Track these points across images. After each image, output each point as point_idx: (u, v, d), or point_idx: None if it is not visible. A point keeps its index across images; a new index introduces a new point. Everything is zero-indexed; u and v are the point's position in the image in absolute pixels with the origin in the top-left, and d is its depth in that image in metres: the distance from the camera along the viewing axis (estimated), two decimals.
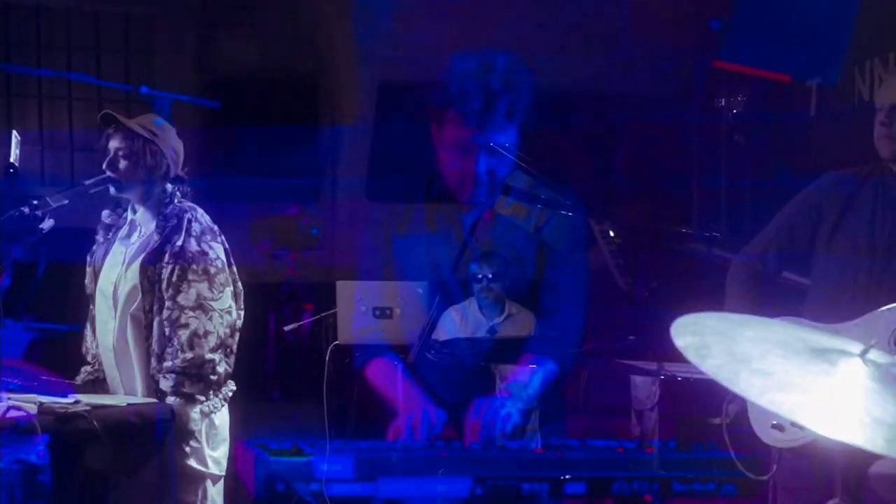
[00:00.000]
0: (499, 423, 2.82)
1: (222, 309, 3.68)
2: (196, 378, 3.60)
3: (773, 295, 3.24)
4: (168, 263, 3.64)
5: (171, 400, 3.58)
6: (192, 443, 3.66)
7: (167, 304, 3.62)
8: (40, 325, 4.67)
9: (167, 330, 3.61)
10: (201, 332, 3.61)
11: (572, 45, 6.22)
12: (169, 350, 3.60)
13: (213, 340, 3.63)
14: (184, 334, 3.59)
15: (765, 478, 2.70)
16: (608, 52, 6.43)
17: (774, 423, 3.08)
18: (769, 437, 3.10)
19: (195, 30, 6.96)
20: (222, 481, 3.76)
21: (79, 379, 3.84)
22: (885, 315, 3.02)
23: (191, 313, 3.61)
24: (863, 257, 3.12)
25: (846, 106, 4.79)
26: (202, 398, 3.62)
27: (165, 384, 3.59)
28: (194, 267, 3.63)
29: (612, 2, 6.35)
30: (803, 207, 3.30)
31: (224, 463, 3.75)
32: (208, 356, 3.61)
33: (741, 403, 3.19)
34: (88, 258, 3.86)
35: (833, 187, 3.26)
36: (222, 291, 3.69)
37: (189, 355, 3.58)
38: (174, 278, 3.62)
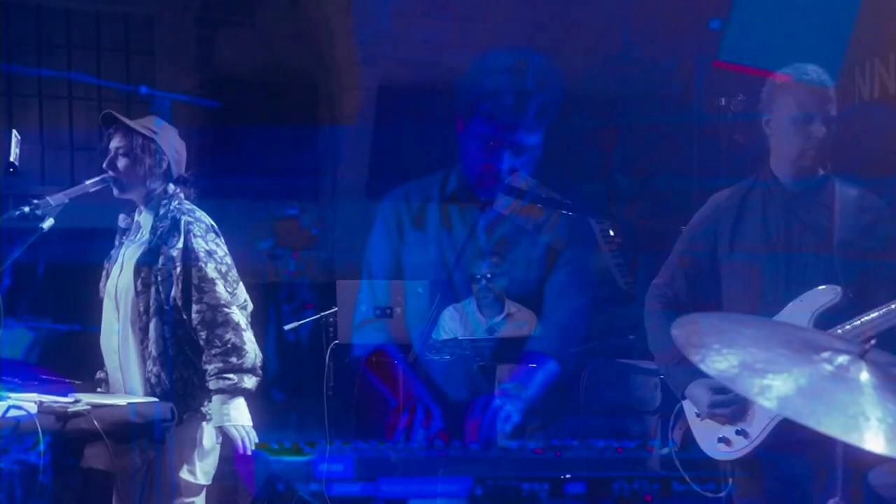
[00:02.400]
0: (498, 422, 2.83)
1: (239, 304, 3.70)
2: (252, 372, 3.62)
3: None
4: (170, 266, 3.63)
5: (219, 398, 3.59)
6: (193, 455, 3.67)
7: (196, 307, 3.61)
8: (40, 325, 4.67)
9: (203, 333, 3.61)
10: (243, 325, 3.64)
11: (572, 45, 6.23)
12: (214, 351, 3.59)
13: (248, 334, 3.66)
14: (226, 332, 3.60)
15: (722, 494, 2.76)
16: (608, 52, 6.44)
17: (720, 436, 3.18)
18: (717, 452, 3.20)
19: (195, 30, 6.96)
20: (205, 492, 3.77)
21: (97, 377, 3.84)
22: (798, 305, 3.14)
23: (225, 310, 3.62)
24: (763, 258, 3.27)
25: (846, 106, 4.80)
26: (253, 389, 3.64)
27: (225, 384, 3.58)
28: (210, 266, 3.63)
29: (612, 2, 6.35)
30: (699, 230, 3.43)
31: (212, 473, 3.74)
32: (257, 348, 3.64)
33: (684, 427, 3.26)
34: (105, 262, 3.87)
35: (721, 205, 3.41)
36: (237, 287, 3.72)
37: (243, 350, 3.60)
38: (194, 280, 3.62)
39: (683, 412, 3.33)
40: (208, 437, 3.69)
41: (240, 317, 3.65)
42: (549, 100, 2.99)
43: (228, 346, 3.59)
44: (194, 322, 3.61)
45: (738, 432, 3.16)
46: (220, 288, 3.63)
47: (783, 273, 3.25)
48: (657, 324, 3.41)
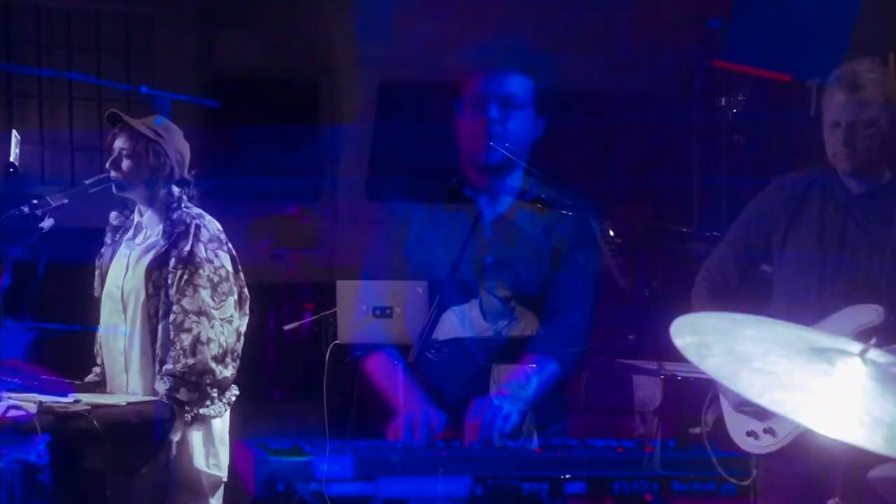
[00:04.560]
0: (498, 422, 2.82)
1: (223, 318, 3.67)
2: (193, 386, 3.58)
3: (742, 301, 3.27)
4: (176, 268, 3.63)
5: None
6: (209, 450, 3.67)
7: (173, 307, 3.61)
8: (40, 325, 4.66)
9: (171, 334, 3.60)
10: (204, 338, 3.60)
11: (572, 45, 6.22)
12: (171, 353, 3.59)
13: (215, 348, 3.61)
14: (186, 339, 3.58)
15: (746, 482, 2.73)
16: (608, 52, 6.43)
17: (749, 430, 3.16)
18: (745, 443, 3.18)
19: (195, 30, 6.95)
20: (223, 487, 3.77)
21: (87, 378, 3.83)
22: (841, 318, 3.07)
23: (194, 318, 3.60)
24: (815, 259, 3.19)
25: None
26: (192, 408, 3.60)
27: (161, 386, 3.58)
28: (201, 272, 3.63)
29: (612, 2, 6.35)
30: (753, 217, 3.36)
31: (225, 467, 3.74)
32: (210, 365, 3.59)
33: (718, 411, 3.24)
34: (97, 260, 3.85)
35: (779, 193, 3.32)
36: (224, 301, 3.68)
37: (191, 361, 3.57)
38: (181, 282, 3.62)
39: (719, 397, 3.28)
40: (219, 431, 3.70)
41: (207, 330, 3.61)
42: (534, 60, 3.07)
43: (181, 351, 3.58)
44: (170, 319, 3.60)
45: (766, 430, 3.13)
46: (204, 296, 3.61)
47: (831, 278, 3.15)
48: (702, 307, 3.29)
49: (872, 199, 3.20)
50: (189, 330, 3.59)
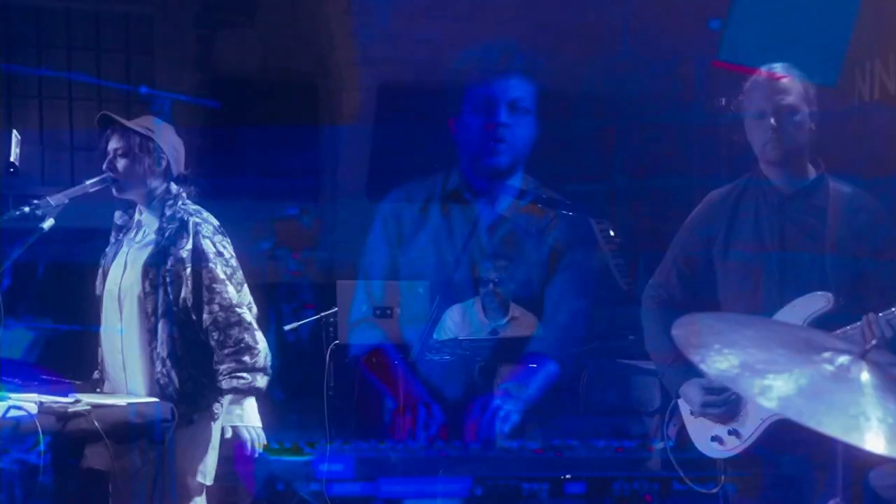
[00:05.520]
0: (498, 422, 2.82)
1: (247, 303, 3.70)
2: (264, 371, 3.64)
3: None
4: (180, 267, 3.62)
5: (231, 397, 3.59)
6: (204, 455, 3.68)
7: (207, 307, 3.62)
8: (40, 325, 4.67)
9: (215, 334, 3.61)
10: (254, 324, 3.66)
11: (572, 45, 6.22)
12: (226, 351, 3.60)
13: (259, 333, 3.67)
14: (239, 332, 3.61)
15: (714, 491, 2.77)
16: (608, 52, 6.43)
17: (713, 435, 3.21)
18: (710, 449, 3.23)
19: (195, 30, 6.96)
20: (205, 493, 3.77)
21: (93, 377, 3.83)
22: (790, 311, 3.14)
23: (237, 310, 3.63)
24: (757, 261, 3.27)
25: (846, 106, 4.79)
26: (264, 389, 3.65)
27: (240, 383, 3.59)
28: (219, 267, 3.64)
29: (612, 2, 6.35)
30: (694, 230, 3.44)
31: (213, 473, 3.74)
32: (260, 347, 3.64)
33: (679, 423, 3.28)
34: (101, 259, 3.86)
35: (715, 205, 3.41)
36: (241, 289, 3.73)
37: (256, 349, 3.62)
38: (204, 281, 3.62)
39: (678, 410, 3.34)
40: (216, 436, 3.70)
41: (250, 317, 3.66)
42: (533, 61, 3.09)
43: (241, 345, 3.60)
44: (206, 323, 3.61)
45: (730, 432, 3.19)
46: (231, 289, 3.64)
47: (777, 276, 3.24)
48: (652, 323, 3.42)
49: (803, 197, 3.29)
50: (238, 323, 3.63)
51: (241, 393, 3.60)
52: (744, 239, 3.32)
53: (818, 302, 3.13)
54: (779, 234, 3.28)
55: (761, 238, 3.29)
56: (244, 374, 3.59)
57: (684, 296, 3.39)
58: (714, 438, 3.21)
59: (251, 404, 3.63)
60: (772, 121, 3.22)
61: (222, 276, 3.64)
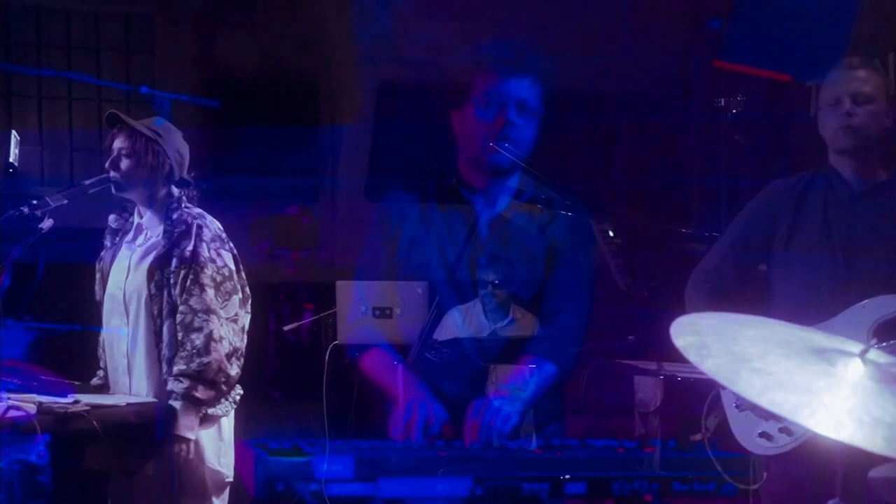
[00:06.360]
0: (497, 423, 2.82)
1: (228, 317, 3.67)
2: (210, 385, 3.58)
3: (739, 302, 3.25)
4: (181, 268, 3.62)
5: (176, 404, 3.55)
6: (217, 449, 3.67)
7: (180, 308, 3.61)
8: (40, 325, 4.66)
9: (180, 334, 3.60)
10: (217, 336, 3.59)
11: (572, 44, 6.22)
12: (182, 354, 3.58)
13: (226, 346, 3.62)
14: (198, 338, 3.57)
15: (755, 487, 2.71)
16: (608, 52, 6.44)
17: (761, 431, 3.10)
18: (756, 446, 3.11)
19: (195, 30, 6.96)
20: (228, 489, 3.77)
21: (92, 382, 3.82)
22: (859, 311, 3.07)
23: (203, 316, 3.59)
24: (822, 257, 3.19)
25: None
26: (208, 407, 3.61)
27: (178, 386, 3.55)
28: (205, 272, 3.62)
29: (611, 2, 6.35)
30: (756, 217, 3.36)
31: (232, 468, 3.74)
32: (224, 363, 3.60)
33: (720, 416, 3.20)
34: (97, 263, 3.85)
35: (779, 194, 3.33)
36: (228, 299, 3.68)
37: (206, 359, 3.56)
38: (187, 283, 3.61)
39: (721, 401, 3.23)
40: (227, 431, 3.71)
41: (218, 328, 3.61)
42: (542, 63, 3.07)
43: (194, 351, 3.56)
44: (176, 321, 3.60)
45: (781, 429, 3.06)
46: (209, 295, 3.61)
47: (842, 276, 3.17)
48: (699, 311, 3.31)
49: (874, 197, 3.22)
50: (200, 329, 3.58)
51: (180, 399, 3.54)
52: (809, 232, 3.23)
53: (891, 305, 3.05)
54: (847, 232, 3.19)
55: (829, 233, 3.20)
56: (184, 380, 3.54)
57: (737, 284, 3.30)
58: (762, 434, 3.09)
59: (187, 413, 3.55)
60: (847, 105, 3.15)
61: (204, 280, 3.61)
